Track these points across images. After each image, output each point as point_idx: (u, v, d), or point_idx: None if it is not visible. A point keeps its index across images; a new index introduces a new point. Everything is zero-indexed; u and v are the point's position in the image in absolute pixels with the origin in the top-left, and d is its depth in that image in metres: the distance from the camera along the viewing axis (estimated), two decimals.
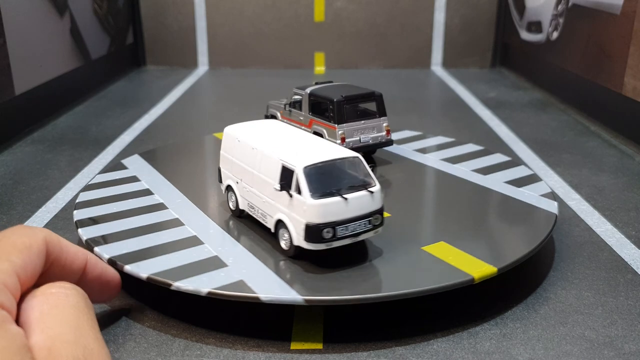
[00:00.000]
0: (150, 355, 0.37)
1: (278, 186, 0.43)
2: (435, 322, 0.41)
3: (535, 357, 0.37)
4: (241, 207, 0.50)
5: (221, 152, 0.52)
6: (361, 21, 1.42)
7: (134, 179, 0.60)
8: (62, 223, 0.57)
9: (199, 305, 0.42)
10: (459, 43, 1.43)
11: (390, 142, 0.65)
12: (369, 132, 0.63)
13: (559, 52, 1.09)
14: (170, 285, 0.40)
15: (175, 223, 0.50)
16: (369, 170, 0.43)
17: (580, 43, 0.99)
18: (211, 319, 0.41)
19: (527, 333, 0.40)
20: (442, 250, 0.44)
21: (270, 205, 0.45)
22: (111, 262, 0.43)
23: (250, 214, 0.48)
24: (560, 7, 1.09)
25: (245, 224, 0.49)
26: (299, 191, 0.41)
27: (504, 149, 0.79)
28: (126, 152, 0.78)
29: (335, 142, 0.61)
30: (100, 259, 0.39)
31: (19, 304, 0.28)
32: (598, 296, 0.44)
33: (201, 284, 0.39)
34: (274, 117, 0.73)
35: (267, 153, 0.45)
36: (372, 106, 0.64)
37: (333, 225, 0.41)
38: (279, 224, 0.44)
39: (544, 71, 1.17)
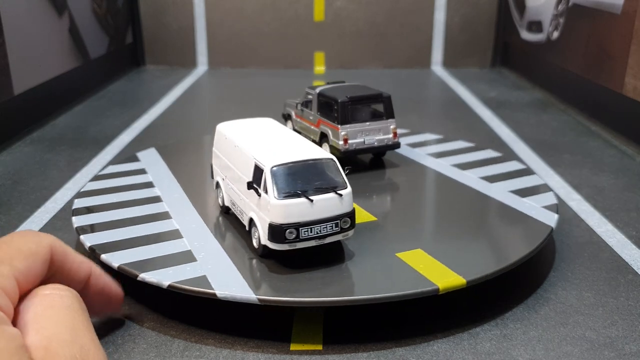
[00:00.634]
0: (150, 356, 0.37)
1: (246, 184, 0.44)
2: (435, 322, 0.41)
3: (535, 358, 0.37)
4: (226, 203, 0.50)
5: (213, 148, 0.53)
6: (361, 21, 1.41)
7: (142, 171, 0.62)
8: (61, 223, 0.56)
9: (199, 306, 0.42)
10: (459, 43, 1.42)
11: (397, 145, 0.63)
12: (374, 134, 0.62)
13: (560, 51, 1.08)
14: (137, 275, 0.41)
15: (164, 216, 0.51)
16: (343, 173, 0.43)
17: (581, 43, 0.99)
18: (210, 320, 0.41)
19: (528, 334, 0.39)
20: (416, 258, 0.43)
21: (245, 203, 0.45)
22: (91, 249, 0.44)
23: (232, 210, 0.49)
24: (560, 6, 1.09)
25: (230, 221, 0.50)
26: (266, 190, 0.41)
27: (504, 149, 0.79)
28: (125, 152, 0.78)
29: (338, 143, 0.61)
30: (83, 245, 0.41)
31: (16, 307, 0.28)
32: (599, 297, 0.44)
33: (165, 277, 0.40)
34: (289, 115, 0.73)
35: (244, 151, 0.46)
36: (381, 108, 0.63)
37: (296, 226, 0.41)
38: (251, 222, 0.44)
39: (545, 71, 1.16)
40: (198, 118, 0.96)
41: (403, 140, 0.71)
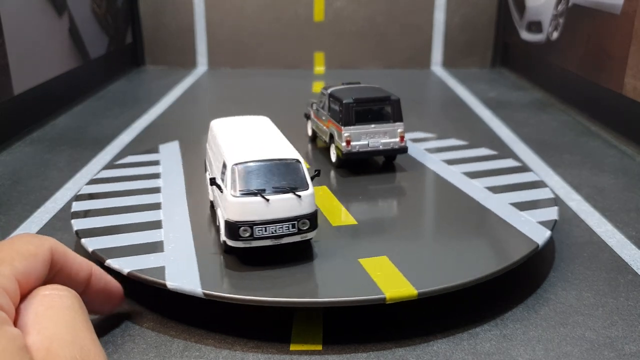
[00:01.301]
0: (149, 356, 0.37)
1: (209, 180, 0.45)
2: (435, 323, 0.41)
3: (535, 358, 0.37)
4: (210, 198, 0.52)
5: (206, 144, 0.55)
6: (361, 21, 1.41)
7: (155, 162, 0.65)
8: (61, 224, 0.56)
9: (198, 306, 0.42)
10: (459, 43, 1.42)
11: (403, 150, 0.62)
12: (379, 137, 0.60)
13: (559, 52, 1.08)
14: (104, 261, 0.42)
15: (154, 207, 0.53)
16: (306, 174, 0.43)
17: (581, 43, 0.99)
18: (210, 320, 0.41)
19: (527, 334, 0.39)
20: (377, 265, 0.42)
21: (217, 199, 0.46)
22: (76, 233, 0.47)
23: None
24: (560, 7, 1.09)
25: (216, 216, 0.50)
26: (227, 187, 0.42)
27: (504, 149, 0.79)
28: (125, 151, 0.78)
29: (341, 145, 0.60)
30: (73, 231, 0.45)
31: (17, 307, 0.28)
32: (598, 297, 0.44)
33: (127, 264, 0.42)
34: (309, 116, 0.73)
35: (220, 147, 0.47)
36: (389, 110, 0.61)
37: (251, 224, 0.41)
38: (219, 218, 0.45)
39: (544, 71, 1.16)
40: (198, 118, 0.96)
41: (426, 145, 0.70)
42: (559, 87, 1.09)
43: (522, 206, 0.52)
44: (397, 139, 0.61)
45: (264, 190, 0.41)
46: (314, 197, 0.43)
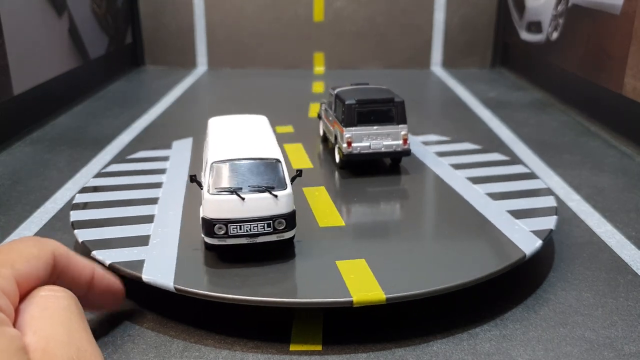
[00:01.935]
0: (149, 356, 0.37)
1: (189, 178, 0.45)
2: (434, 323, 0.41)
3: (535, 358, 0.37)
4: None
5: (204, 142, 0.55)
6: (361, 21, 1.41)
7: (164, 158, 0.66)
8: (61, 224, 0.56)
9: (198, 307, 0.42)
10: (459, 43, 1.42)
11: (406, 152, 0.60)
12: (382, 139, 0.60)
13: (559, 52, 1.09)
14: (90, 252, 0.43)
15: (151, 202, 0.53)
16: (285, 174, 0.43)
17: (580, 43, 0.99)
18: (210, 320, 0.41)
19: (527, 334, 0.39)
20: (353, 268, 0.42)
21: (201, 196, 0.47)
22: (71, 224, 0.48)
23: None
24: (560, 7, 1.09)
25: None
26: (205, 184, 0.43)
27: (504, 149, 0.79)
28: (125, 152, 0.78)
29: (342, 146, 0.60)
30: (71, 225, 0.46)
31: (16, 308, 0.28)
32: (598, 297, 0.44)
33: (110, 257, 0.43)
34: (320, 116, 0.73)
35: (208, 145, 0.47)
36: (393, 113, 0.60)
37: (225, 222, 0.41)
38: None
39: (544, 71, 1.16)
40: (198, 118, 0.96)
41: (438, 148, 0.69)
42: (559, 87, 1.09)
43: (519, 214, 0.51)
44: (400, 142, 0.60)
45: (240, 189, 0.42)
46: (292, 197, 0.43)
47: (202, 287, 0.39)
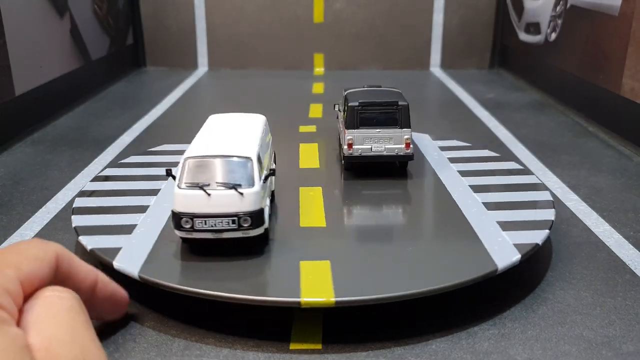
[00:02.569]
0: (150, 355, 0.37)
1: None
2: (433, 322, 0.41)
3: (533, 357, 0.37)
4: None
5: None
6: (360, 22, 1.42)
7: (180, 152, 0.66)
8: (62, 224, 0.57)
9: (199, 306, 0.42)
10: (458, 44, 1.43)
11: (408, 157, 0.59)
12: (384, 142, 0.59)
13: (558, 53, 1.09)
14: (78, 236, 0.46)
15: (151, 192, 0.55)
16: (255, 173, 0.44)
17: (579, 44, 1.00)
18: (211, 319, 0.41)
19: (526, 333, 0.40)
20: (314, 269, 0.42)
21: None
22: (72, 210, 0.51)
23: None
24: (558, 8, 1.09)
25: None
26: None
27: (503, 150, 0.80)
28: (126, 152, 0.79)
29: (344, 147, 0.60)
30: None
31: (20, 309, 0.28)
32: (596, 296, 0.44)
33: (92, 243, 0.45)
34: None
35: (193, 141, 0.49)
36: (397, 116, 0.59)
37: (192, 216, 0.43)
38: None
39: (543, 72, 1.17)
40: (199, 119, 0.96)
41: (453, 154, 0.67)
42: (557, 88, 1.09)
43: (507, 226, 0.48)
44: (402, 146, 0.59)
45: (208, 185, 0.43)
46: (260, 195, 0.43)
47: (163, 277, 0.41)
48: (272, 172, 0.46)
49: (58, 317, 0.28)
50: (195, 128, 0.53)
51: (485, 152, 0.69)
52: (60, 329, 0.27)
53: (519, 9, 1.29)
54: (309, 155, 0.68)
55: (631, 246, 0.52)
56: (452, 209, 0.53)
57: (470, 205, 0.53)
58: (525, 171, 0.63)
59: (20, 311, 0.28)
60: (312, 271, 0.42)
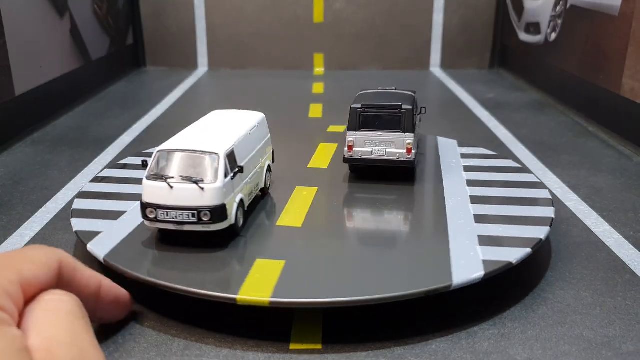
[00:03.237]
0: (150, 355, 0.37)
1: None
2: (433, 322, 0.41)
3: (533, 357, 0.37)
4: None
5: None
6: (360, 22, 1.42)
7: None
8: (62, 224, 0.57)
9: (199, 306, 0.42)
10: (458, 44, 1.43)
11: (408, 163, 0.58)
12: (385, 146, 0.57)
13: (558, 53, 1.09)
14: (72, 219, 0.49)
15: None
16: (220, 169, 0.44)
17: (579, 44, 1.00)
18: (211, 320, 0.41)
19: (526, 333, 0.40)
20: (266, 268, 0.42)
21: None
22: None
23: None
24: (558, 8, 1.09)
25: None
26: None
27: (503, 150, 0.80)
28: (126, 152, 0.79)
29: (344, 149, 0.59)
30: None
31: (21, 312, 0.29)
32: (596, 296, 0.44)
33: (80, 225, 0.48)
34: None
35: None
36: (401, 120, 0.57)
37: (155, 207, 0.44)
38: None
39: (543, 72, 1.17)
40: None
41: (472, 162, 0.64)
42: (557, 88, 1.09)
43: (486, 240, 0.46)
44: (404, 151, 0.57)
45: (172, 177, 0.44)
46: (222, 191, 0.44)
47: (121, 263, 0.42)
48: (239, 170, 0.46)
49: (58, 319, 0.28)
50: None
51: (507, 163, 0.65)
52: (60, 331, 0.27)
53: (519, 9, 1.29)
54: (323, 156, 0.68)
55: (631, 246, 0.52)
56: (439, 219, 0.51)
57: (460, 216, 0.51)
58: (539, 185, 0.58)
59: (21, 314, 0.28)
60: (263, 270, 0.42)
